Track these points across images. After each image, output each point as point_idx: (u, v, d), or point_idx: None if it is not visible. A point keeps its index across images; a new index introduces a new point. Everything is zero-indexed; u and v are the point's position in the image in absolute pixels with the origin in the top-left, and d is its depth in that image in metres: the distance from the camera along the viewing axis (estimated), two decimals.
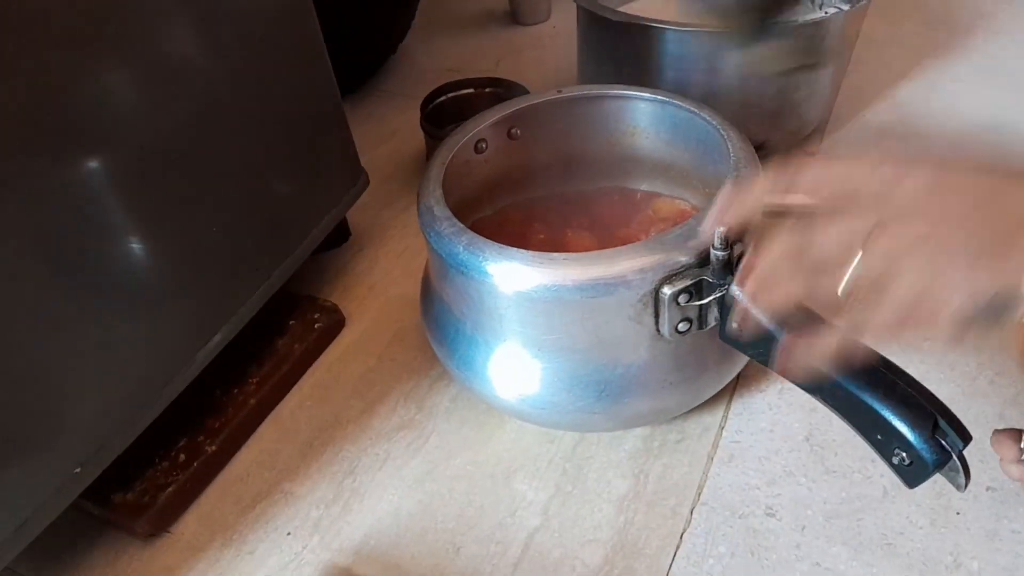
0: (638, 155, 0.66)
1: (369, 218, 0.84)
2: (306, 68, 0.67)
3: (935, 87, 0.95)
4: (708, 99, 0.77)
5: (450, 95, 0.91)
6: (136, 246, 0.53)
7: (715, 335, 0.48)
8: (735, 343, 0.46)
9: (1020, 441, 0.52)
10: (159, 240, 0.54)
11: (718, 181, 0.53)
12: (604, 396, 0.52)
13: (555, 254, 0.48)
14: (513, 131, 0.64)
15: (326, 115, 0.70)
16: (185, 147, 0.55)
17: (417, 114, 0.89)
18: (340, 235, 0.81)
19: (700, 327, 0.49)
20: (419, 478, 0.60)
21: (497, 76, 0.91)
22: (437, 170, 0.58)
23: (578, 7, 0.82)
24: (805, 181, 0.40)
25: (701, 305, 0.47)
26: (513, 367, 0.54)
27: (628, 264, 0.47)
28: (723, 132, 0.57)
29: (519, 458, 0.61)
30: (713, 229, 0.44)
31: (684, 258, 0.47)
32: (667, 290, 0.47)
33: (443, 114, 0.91)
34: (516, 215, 0.67)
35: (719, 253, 0.45)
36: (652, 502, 0.57)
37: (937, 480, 0.52)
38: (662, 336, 0.49)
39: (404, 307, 0.74)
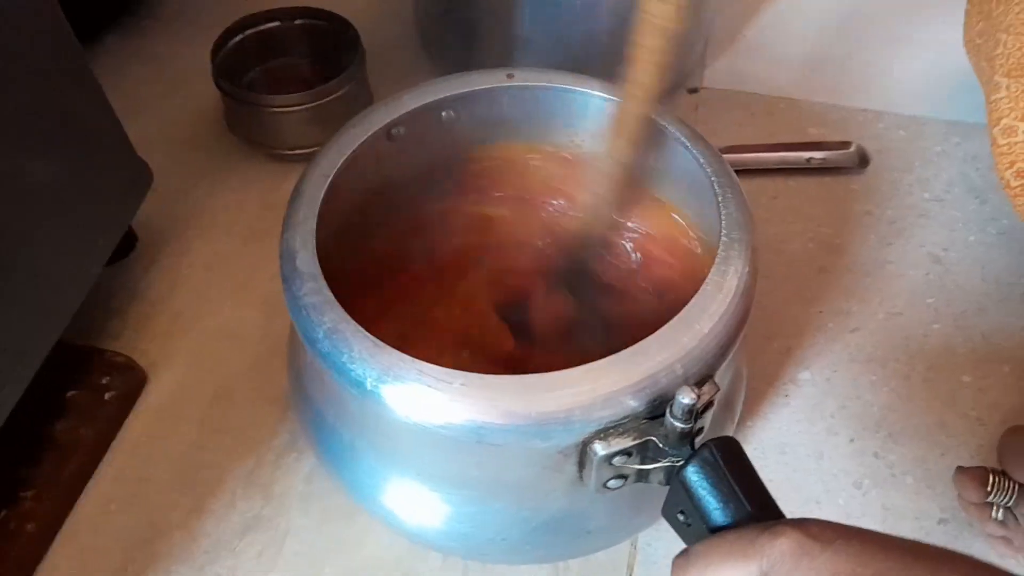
0: (592, 158, 0.50)
1: (159, 212, 0.64)
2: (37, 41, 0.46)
3: None
4: (581, 39, 0.63)
5: (249, 32, 0.70)
6: None
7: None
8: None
9: (987, 482, 0.45)
10: None
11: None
12: (504, 540, 0.40)
13: (449, 373, 0.33)
14: (445, 115, 0.46)
15: (72, 93, 0.50)
16: None
17: (208, 50, 0.68)
18: (123, 242, 0.61)
19: (639, 481, 0.36)
20: None
21: (308, 6, 0.70)
22: (316, 183, 0.40)
23: None
24: None
25: (642, 470, 0.35)
26: (387, 482, 0.41)
27: (547, 405, 0.33)
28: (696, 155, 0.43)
29: (405, 559, 0.48)
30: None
31: (632, 402, 0.34)
32: (599, 448, 0.34)
33: (241, 60, 0.70)
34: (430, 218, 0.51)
35: (679, 425, 0.32)
36: None
37: (887, 517, 0.50)
38: (586, 486, 0.37)
39: (224, 345, 0.57)
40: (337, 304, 0.36)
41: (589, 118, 0.48)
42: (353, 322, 0.35)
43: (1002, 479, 0.45)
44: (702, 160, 0.43)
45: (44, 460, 0.50)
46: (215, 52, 0.68)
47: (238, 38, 0.70)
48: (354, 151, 0.42)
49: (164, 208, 0.64)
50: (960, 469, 0.46)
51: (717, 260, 0.38)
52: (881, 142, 0.68)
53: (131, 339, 0.57)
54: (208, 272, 0.61)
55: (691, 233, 0.49)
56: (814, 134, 0.69)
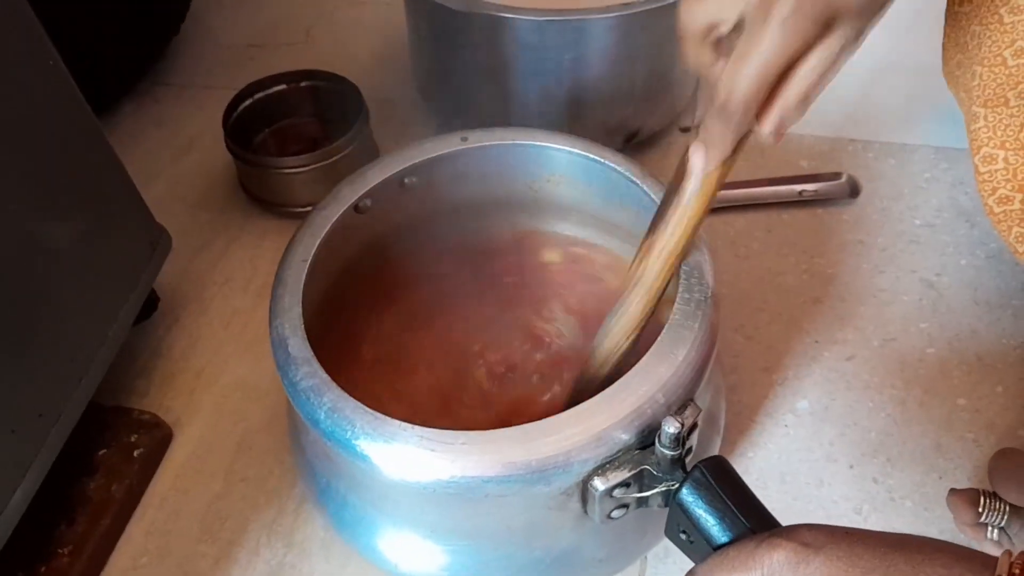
0: (550, 202, 0.54)
1: (178, 272, 0.67)
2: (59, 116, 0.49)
3: None
4: (573, 90, 0.66)
5: (258, 96, 0.74)
6: None
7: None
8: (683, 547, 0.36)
9: (978, 504, 0.47)
10: None
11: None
12: None
13: (449, 434, 0.36)
14: (407, 181, 0.50)
15: (90, 166, 0.53)
16: None
17: (219, 112, 0.71)
18: (145, 304, 0.64)
19: (640, 507, 0.38)
20: None
21: (314, 68, 0.74)
22: (296, 270, 0.43)
23: None
24: None
25: (641, 497, 0.37)
26: (402, 544, 0.43)
27: (545, 451, 0.35)
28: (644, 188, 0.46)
29: None
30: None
31: (623, 436, 0.36)
32: (599, 484, 0.36)
33: (251, 122, 0.74)
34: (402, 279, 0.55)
35: (669, 452, 0.35)
36: None
37: None
38: (591, 519, 0.39)
39: (244, 398, 0.60)
40: (334, 384, 0.38)
41: (542, 166, 0.51)
42: (352, 399, 0.37)
43: (993, 500, 0.46)
44: (651, 193, 0.45)
45: (78, 517, 0.53)
46: (226, 116, 0.71)
47: (248, 102, 0.73)
48: (327, 232, 0.45)
49: (182, 267, 0.68)
50: (953, 491, 0.48)
51: (680, 288, 0.41)
52: (871, 171, 0.70)
53: (156, 397, 0.60)
54: (226, 329, 0.64)
55: None
56: (805, 167, 0.71)
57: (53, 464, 0.49)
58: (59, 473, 0.51)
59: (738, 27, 0.35)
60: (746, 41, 0.34)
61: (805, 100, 0.36)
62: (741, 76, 0.34)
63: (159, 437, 0.57)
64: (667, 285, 0.41)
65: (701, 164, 0.38)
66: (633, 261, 0.42)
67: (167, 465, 0.57)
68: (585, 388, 0.45)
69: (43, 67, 0.48)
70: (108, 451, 0.55)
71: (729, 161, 0.38)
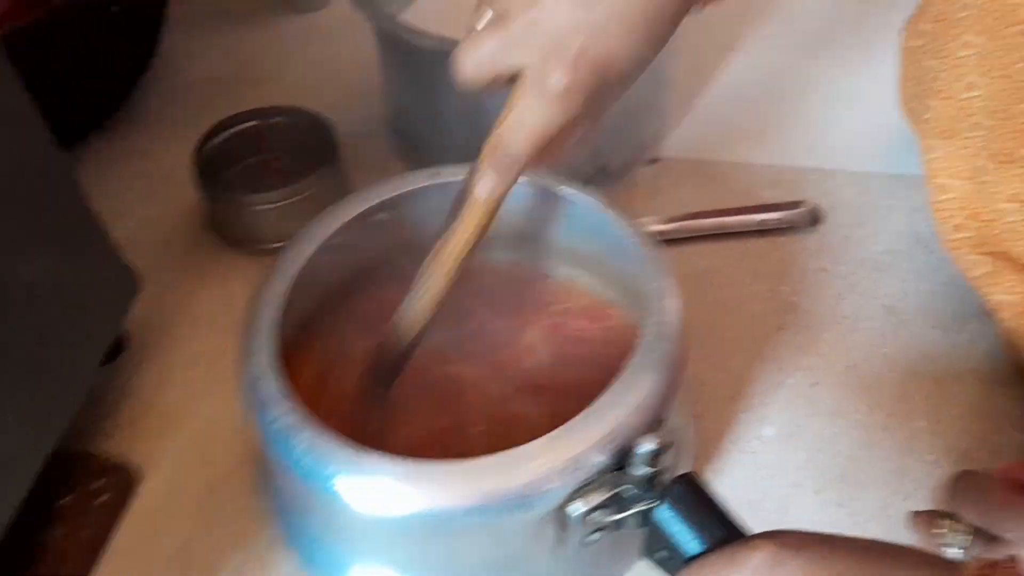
0: (520, 235, 0.55)
1: (146, 311, 0.67)
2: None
3: (765, 58, 0.88)
4: None
5: (228, 133, 0.74)
6: None
7: None
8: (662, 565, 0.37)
9: (940, 525, 0.47)
10: None
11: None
12: None
13: (427, 466, 0.36)
14: (377, 217, 0.51)
15: (57, 205, 0.53)
16: None
17: (188, 149, 0.72)
18: (113, 345, 0.64)
19: (616, 528, 0.39)
20: None
21: (284, 105, 0.75)
22: (266, 310, 0.43)
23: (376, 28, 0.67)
24: None
25: (618, 519, 0.38)
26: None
27: (524, 477, 0.36)
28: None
29: None
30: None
31: (600, 458, 0.37)
32: (578, 507, 0.37)
33: (222, 159, 0.74)
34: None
35: (646, 470, 0.35)
36: None
37: None
38: (568, 545, 0.40)
39: (214, 440, 0.60)
40: (310, 420, 0.38)
41: (511, 200, 0.52)
42: (330, 434, 0.38)
43: (954, 521, 0.47)
44: (615, 224, 0.47)
45: (40, 569, 0.52)
46: (196, 153, 0.71)
47: (218, 139, 0.73)
48: (298, 272, 0.46)
49: (150, 307, 0.67)
50: (915, 513, 0.48)
51: (644, 311, 0.41)
52: (833, 199, 0.72)
53: (123, 439, 0.60)
54: (195, 369, 0.64)
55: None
56: (769, 196, 0.72)
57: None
58: (19, 522, 0.50)
59: (518, 78, 0.38)
60: (523, 104, 0.38)
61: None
62: (518, 141, 0.38)
63: (125, 482, 0.56)
64: (452, 283, 0.45)
65: (485, 194, 0.42)
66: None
67: (134, 510, 0.56)
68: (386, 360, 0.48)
69: (11, 105, 0.48)
70: (70, 498, 0.55)
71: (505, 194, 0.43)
